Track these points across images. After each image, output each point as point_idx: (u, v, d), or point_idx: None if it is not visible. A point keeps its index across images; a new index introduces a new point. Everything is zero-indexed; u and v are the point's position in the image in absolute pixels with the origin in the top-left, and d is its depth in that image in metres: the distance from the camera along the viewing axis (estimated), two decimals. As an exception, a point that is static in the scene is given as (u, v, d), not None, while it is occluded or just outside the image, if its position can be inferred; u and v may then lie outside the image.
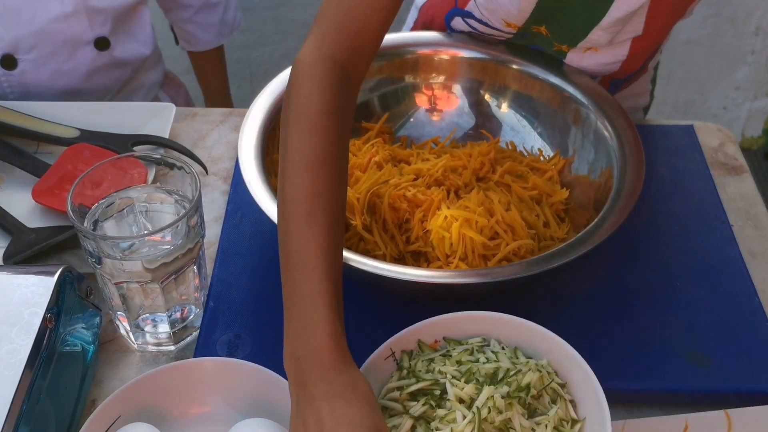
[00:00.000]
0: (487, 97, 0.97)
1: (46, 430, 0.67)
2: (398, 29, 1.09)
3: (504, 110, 0.96)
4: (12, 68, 1.08)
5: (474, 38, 0.98)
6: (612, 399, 0.63)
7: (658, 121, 1.03)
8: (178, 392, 0.71)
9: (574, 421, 0.65)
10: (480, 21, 0.95)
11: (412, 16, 1.11)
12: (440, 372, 0.66)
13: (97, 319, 0.77)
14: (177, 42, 1.33)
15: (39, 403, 0.66)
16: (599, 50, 0.92)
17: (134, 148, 0.94)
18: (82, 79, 1.12)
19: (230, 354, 0.76)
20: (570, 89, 0.92)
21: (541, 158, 0.93)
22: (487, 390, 0.63)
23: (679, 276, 0.84)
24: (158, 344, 0.78)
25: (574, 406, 0.66)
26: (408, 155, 0.91)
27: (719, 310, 0.81)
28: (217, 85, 1.42)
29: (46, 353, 0.67)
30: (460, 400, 0.64)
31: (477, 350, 0.68)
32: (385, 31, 0.75)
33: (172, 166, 0.76)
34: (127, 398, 0.69)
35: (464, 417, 0.62)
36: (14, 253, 0.83)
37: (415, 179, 0.87)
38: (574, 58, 0.94)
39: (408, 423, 0.64)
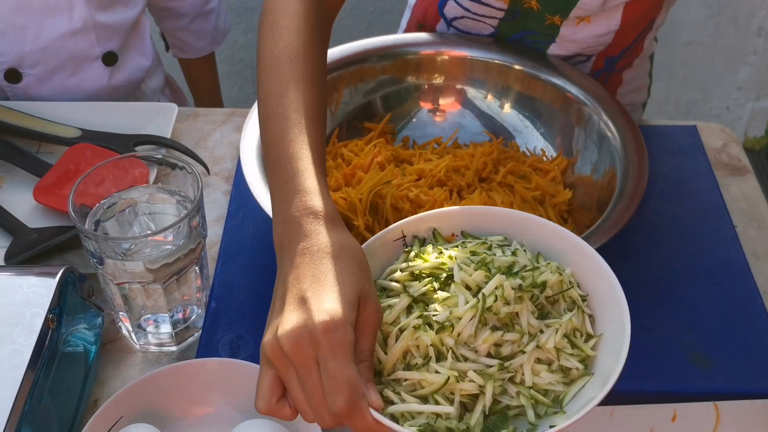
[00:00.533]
0: (489, 97, 0.97)
1: (49, 430, 0.67)
2: (393, 31, 1.09)
3: (507, 111, 0.96)
4: (16, 82, 1.07)
5: (476, 39, 0.98)
6: (614, 399, 0.63)
7: (661, 122, 1.03)
8: (181, 393, 0.71)
9: (589, 336, 0.60)
10: None
11: (406, 17, 1.11)
12: (450, 258, 0.61)
13: (99, 320, 0.76)
14: (167, 49, 1.32)
15: (41, 403, 0.66)
16: (591, 21, 0.92)
17: (136, 148, 0.94)
18: (87, 96, 1.11)
19: (232, 355, 0.76)
20: (573, 90, 0.91)
21: (544, 159, 0.93)
22: (497, 278, 0.57)
23: (681, 277, 0.84)
24: (160, 345, 0.78)
25: (593, 322, 0.61)
26: (410, 155, 0.91)
27: (722, 311, 0.81)
28: (208, 90, 1.41)
29: (48, 354, 0.67)
30: (467, 287, 0.59)
31: (495, 246, 0.63)
32: None
33: (173, 167, 0.75)
34: (130, 399, 0.69)
35: (467, 302, 0.57)
36: (16, 254, 0.83)
37: (417, 179, 0.86)
38: (568, 32, 0.94)
39: (404, 301, 0.59)
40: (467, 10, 0.97)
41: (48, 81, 1.08)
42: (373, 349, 0.56)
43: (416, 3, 1.07)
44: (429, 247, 0.63)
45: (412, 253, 0.63)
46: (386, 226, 0.82)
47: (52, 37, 1.05)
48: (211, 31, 1.29)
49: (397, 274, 0.62)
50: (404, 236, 0.65)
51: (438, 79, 0.98)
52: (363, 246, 0.62)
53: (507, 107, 0.96)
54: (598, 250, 0.74)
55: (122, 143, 0.94)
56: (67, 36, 1.06)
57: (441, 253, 0.62)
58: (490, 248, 0.62)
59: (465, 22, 0.99)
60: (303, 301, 0.54)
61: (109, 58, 1.11)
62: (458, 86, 0.97)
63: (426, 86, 0.98)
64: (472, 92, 0.97)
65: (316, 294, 0.54)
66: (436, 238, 0.65)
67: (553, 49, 0.96)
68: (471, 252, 0.62)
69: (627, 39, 0.96)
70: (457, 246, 0.63)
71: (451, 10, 0.99)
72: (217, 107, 1.43)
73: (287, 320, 0.54)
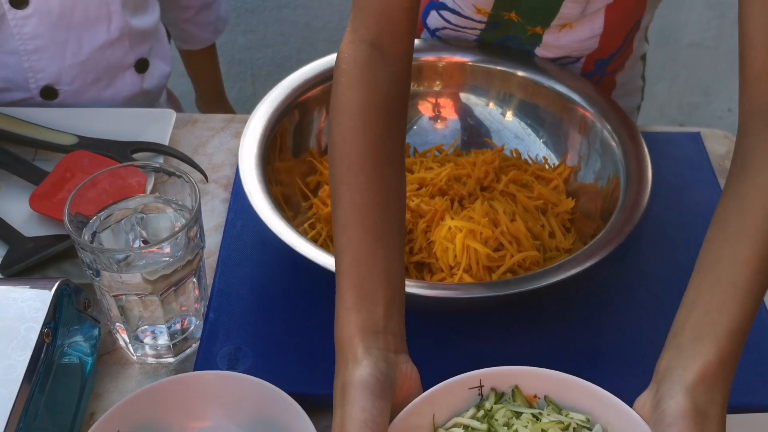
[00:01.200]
0: (491, 105, 0.96)
1: (44, 445, 0.66)
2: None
3: (509, 118, 0.95)
4: (52, 99, 1.05)
5: (477, 46, 0.97)
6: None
7: (665, 129, 1.02)
8: (178, 406, 0.70)
9: None
10: (452, 11, 0.94)
11: None
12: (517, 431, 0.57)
13: (96, 331, 0.76)
14: (169, 40, 1.32)
15: (36, 419, 0.65)
16: (574, 27, 0.92)
17: (133, 155, 0.93)
18: (119, 106, 1.10)
19: (231, 367, 0.75)
20: (576, 98, 0.90)
21: (547, 167, 0.92)
22: None
23: (686, 287, 0.82)
24: (158, 356, 0.77)
25: None
26: (411, 164, 0.90)
27: (727, 322, 0.80)
28: (211, 80, 1.41)
29: (44, 368, 0.66)
30: None
31: (574, 429, 0.57)
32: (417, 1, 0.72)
33: (171, 175, 0.74)
34: (126, 412, 0.68)
35: None
36: (12, 263, 0.82)
37: (418, 189, 0.86)
38: (551, 39, 0.93)
39: None
40: (448, 21, 0.96)
41: (84, 94, 1.07)
42: None
43: None
44: (501, 412, 0.58)
45: (481, 412, 0.59)
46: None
47: (91, 50, 1.04)
48: (214, 21, 1.29)
49: (458, 430, 0.58)
50: (482, 386, 0.59)
51: (439, 86, 0.97)
52: (435, 389, 0.59)
53: (509, 115, 0.95)
54: (601, 258, 0.74)
55: (120, 150, 0.93)
56: (105, 47, 1.05)
57: (513, 418, 0.58)
58: (566, 428, 0.57)
59: (447, 32, 0.98)
60: None
61: (141, 65, 1.10)
62: (459, 93, 0.97)
63: (427, 93, 0.97)
64: (473, 99, 0.96)
65: None
66: (514, 396, 0.60)
67: (540, 52, 0.96)
68: (542, 430, 0.57)
69: (615, 42, 0.95)
70: (532, 416, 0.58)
71: (433, 21, 0.98)
72: (220, 98, 1.43)
73: None
